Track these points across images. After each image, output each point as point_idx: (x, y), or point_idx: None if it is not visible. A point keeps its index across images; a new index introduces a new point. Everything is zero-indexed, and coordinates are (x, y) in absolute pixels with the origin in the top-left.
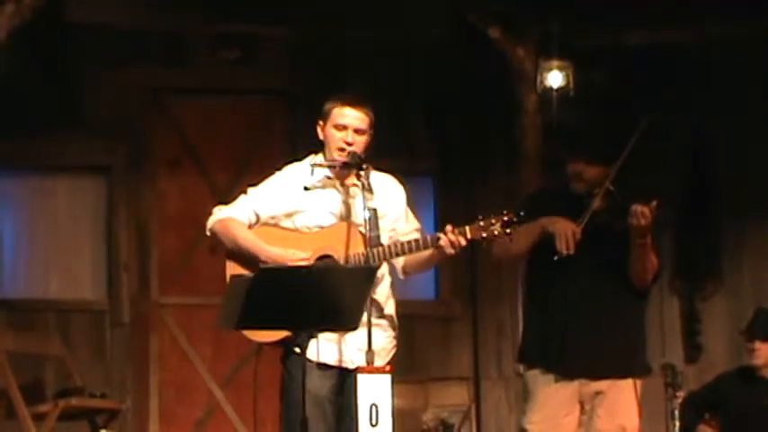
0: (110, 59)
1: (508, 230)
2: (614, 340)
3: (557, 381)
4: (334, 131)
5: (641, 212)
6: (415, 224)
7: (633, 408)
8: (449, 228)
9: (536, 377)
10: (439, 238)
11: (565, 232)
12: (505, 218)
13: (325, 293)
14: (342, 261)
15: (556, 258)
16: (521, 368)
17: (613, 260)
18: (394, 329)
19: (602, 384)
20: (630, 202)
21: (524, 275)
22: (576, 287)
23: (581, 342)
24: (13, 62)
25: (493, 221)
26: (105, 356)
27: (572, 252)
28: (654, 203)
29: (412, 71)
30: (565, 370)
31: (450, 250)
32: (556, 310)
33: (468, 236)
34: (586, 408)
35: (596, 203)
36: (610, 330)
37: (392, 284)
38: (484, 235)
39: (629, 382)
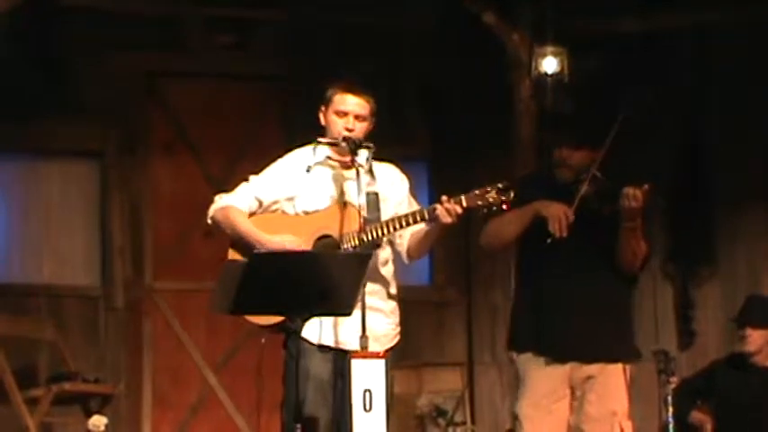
0: (104, 43)
1: (504, 198)
2: (604, 324)
3: (548, 364)
4: (335, 118)
5: (632, 194)
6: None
7: (623, 392)
8: (444, 198)
9: (528, 361)
10: (435, 209)
11: (558, 215)
12: (501, 185)
13: (318, 279)
14: (338, 239)
15: (549, 241)
16: (513, 355)
17: (603, 245)
18: (396, 317)
19: (592, 369)
20: (621, 186)
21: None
22: (566, 272)
23: (571, 325)
24: (6, 46)
25: (488, 189)
26: (99, 341)
27: (564, 235)
28: (646, 187)
29: (408, 57)
30: (556, 352)
31: (447, 219)
32: (546, 294)
33: (465, 204)
34: (577, 393)
35: (585, 188)
36: (599, 315)
37: (395, 272)
38: (479, 203)
39: (619, 366)
